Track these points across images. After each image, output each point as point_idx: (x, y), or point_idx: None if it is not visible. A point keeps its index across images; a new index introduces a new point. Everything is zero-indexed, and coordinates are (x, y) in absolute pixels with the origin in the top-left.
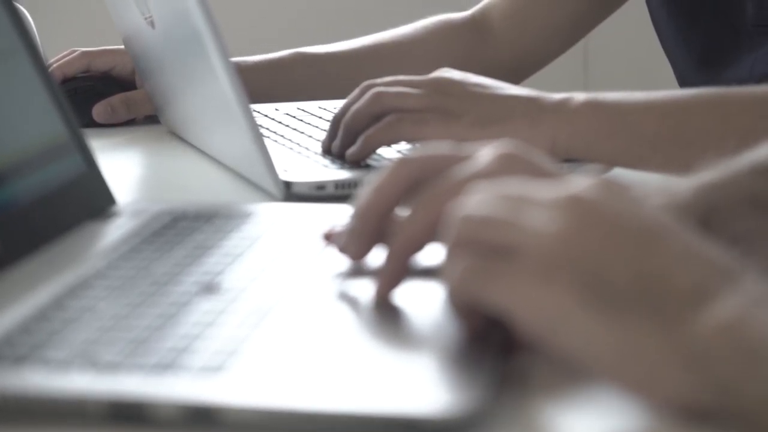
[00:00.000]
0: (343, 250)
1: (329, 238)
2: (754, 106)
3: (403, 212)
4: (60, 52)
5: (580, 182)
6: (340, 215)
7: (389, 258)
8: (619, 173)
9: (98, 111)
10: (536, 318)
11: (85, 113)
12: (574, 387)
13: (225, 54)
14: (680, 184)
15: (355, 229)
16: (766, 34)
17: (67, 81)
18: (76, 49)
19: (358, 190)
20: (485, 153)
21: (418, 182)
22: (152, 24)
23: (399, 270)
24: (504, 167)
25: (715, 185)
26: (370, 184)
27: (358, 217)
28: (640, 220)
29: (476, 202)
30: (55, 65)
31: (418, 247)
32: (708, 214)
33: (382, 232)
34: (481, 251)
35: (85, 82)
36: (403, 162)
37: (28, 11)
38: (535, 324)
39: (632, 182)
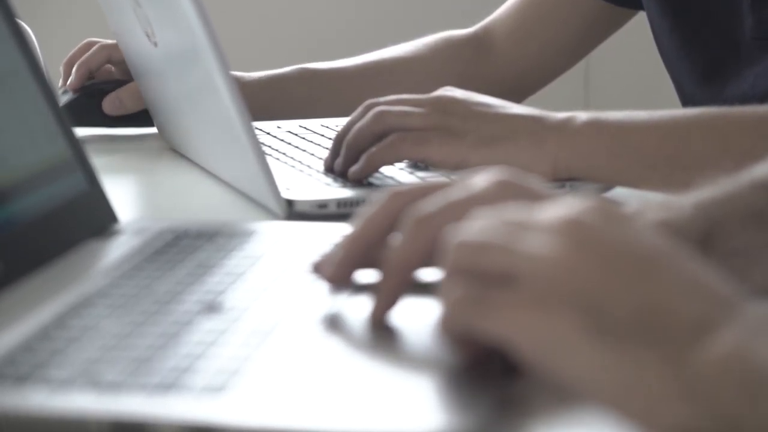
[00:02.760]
0: (323, 273)
1: (318, 269)
2: (754, 126)
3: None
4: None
5: (575, 205)
6: (340, 234)
7: (384, 279)
8: (620, 192)
9: (108, 103)
10: (535, 347)
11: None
12: (573, 412)
13: (227, 72)
14: (680, 200)
15: (339, 257)
16: (766, 48)
17: (92, 81)
18: (92, 40)
19: (359, 210)
20: (480, 179)
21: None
22: (155, 42)
23: (394, 291)
24: (499, 193)
25: (715, 201)
26: (362, 214)
27: (345, 246)
28: (639, 248)
29: (472, 227)
30: (78, 63)
31: (412, 268)
32: (708, 229)
33: (371, 261)
34: (476, 279)
35: (110, 85)
36: (394, 194)
37: (29, 26)
38: (534, 353)
39: (631, 198)
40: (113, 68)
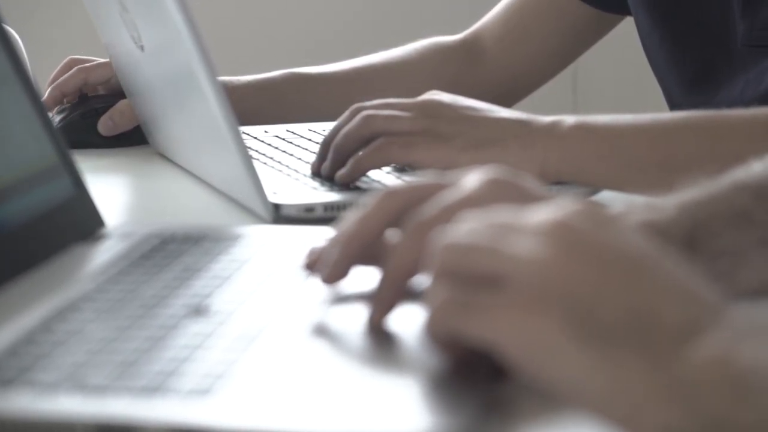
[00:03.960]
0: (319, 274)
1: (310, 267)
2: (742, 129)
3: (393, 237)
4: (50, 70)
5: (564, 207)
6: (324, 238)
7: (382, 285)
8: (606, 195)
9: (102, 126)
10: (521, 350)
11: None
12: (559, 414)
13: (214, 77)
14: (664, 202)
15: (335, 257)
16: (756, 54)
17: (84, 100)
18: (74, 57)
19: (346, 214)
20: (472, 179)
21: (402, 214)
22: (141, 46)
23: (392, 297)
24: (491, 193)
25: (699, 202)
26: (355, 213)
27: (340, 246)
28: (627, 252)
29: (460, 229)
30: (52, 85)
31: (410, 274)
32: (692, 230)
33: (366, 258)
34: (463, 282)
35: (103, 104)
36: (389, 193)
37: (17, 32)
38: (520, 356)
39: (616, 201)
40: (100, 88)
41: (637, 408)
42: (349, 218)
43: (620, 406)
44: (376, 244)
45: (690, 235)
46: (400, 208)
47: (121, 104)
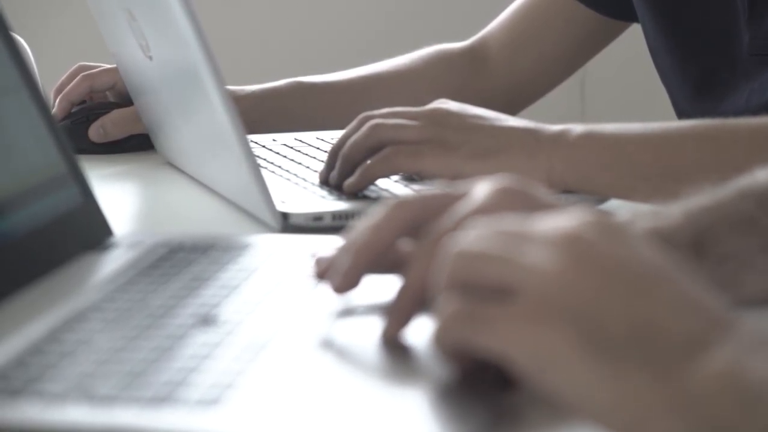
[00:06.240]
0: (330, 283)
1: (321, 275)
2: (748, 138)
3: (405, 247)
4: (57, 77)
5: (575, 218)
6: (331, 247)
7: (399, 298)
8: (615, 204)
9: (92, 132)
10: (530, 361)
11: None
12: (567, 425)
13: (222, 86)
14: (670, 209)
15: (347, 266)
16: (761, 63)
17: (80, 106)
18: (83, 64)
19: (355, 222)
20: (482, 188)
21: (414, 224)
22: (149, 56)
23: (408, 310)
24: (502, 201)
25: (704, 208)
26: (366, 222)
27: (352, 255)
28: (637, 265)
29: (471, 237)
30: (60, 96)
31: (425, 289)
32: (698, 236)
33: (376, 267)
34: (473, 292)
35: (99, 110)
36: (400, 203)
37: (25, 39)
38: (528, 366)
39: (623, 209)
40: (109, 94)
41: (642, 419)
42: (360, 227)
43: (625, 417)
44: (386, 253)
45: (696, 241)
46: (411, 219)
47: (114, 113)
